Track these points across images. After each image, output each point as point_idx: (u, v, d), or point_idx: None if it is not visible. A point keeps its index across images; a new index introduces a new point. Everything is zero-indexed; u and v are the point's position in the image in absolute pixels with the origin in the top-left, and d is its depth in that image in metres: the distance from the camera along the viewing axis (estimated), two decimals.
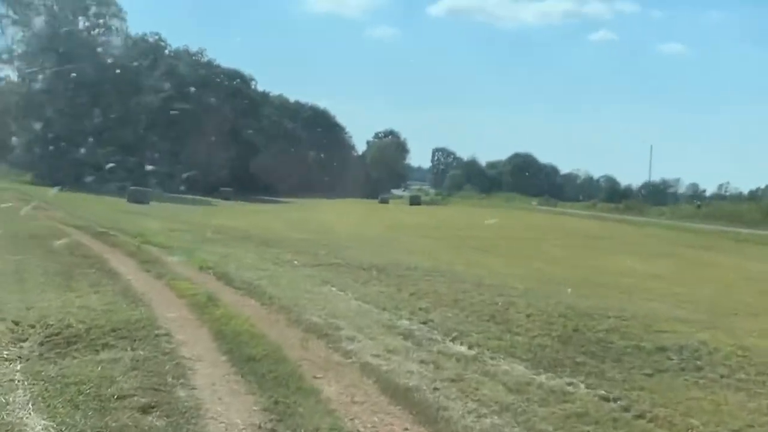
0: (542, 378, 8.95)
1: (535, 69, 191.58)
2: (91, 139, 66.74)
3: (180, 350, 8.66)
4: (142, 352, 8.40)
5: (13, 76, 73.07)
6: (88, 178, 62.32)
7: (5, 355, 8.20)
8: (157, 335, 9.26)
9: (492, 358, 9.84)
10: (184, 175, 61.72)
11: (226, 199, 67.62)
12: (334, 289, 15.00)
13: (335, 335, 10.25)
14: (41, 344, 8.74)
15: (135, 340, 8.94)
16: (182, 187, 62.91)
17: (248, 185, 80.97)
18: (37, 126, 65.63)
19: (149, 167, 62.08)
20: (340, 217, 43.25)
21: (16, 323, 9.67)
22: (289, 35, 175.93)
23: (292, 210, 53.91)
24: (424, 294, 14.73)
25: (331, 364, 8.77)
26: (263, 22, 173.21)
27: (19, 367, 7.74)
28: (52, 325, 9.61)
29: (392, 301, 13.76)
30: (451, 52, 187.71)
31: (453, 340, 10.90)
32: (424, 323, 11.91)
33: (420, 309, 13.05)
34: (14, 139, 68.26)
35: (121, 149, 69.24)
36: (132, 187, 51.58)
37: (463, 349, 10.40)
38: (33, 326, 9.56)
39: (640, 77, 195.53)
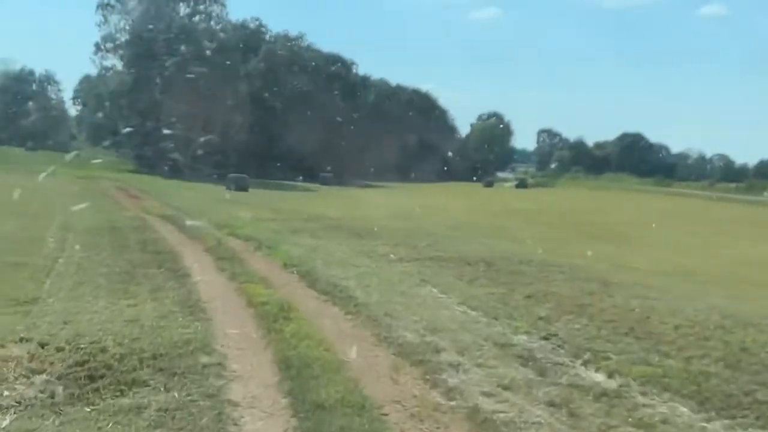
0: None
1: (643, 46, 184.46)
2: (193, 127, 66.49)
3: (229, 391, 6.57)
4: (177, 395, 6.34)
5: (119, 65, 73.50)
6: (189, 166, 62.01)
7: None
8: (204, 366, 7.21)
9: (642, 394, 7.42)
10: (278, 164, 60.56)
11: (326, 184, 66.18)
12: (434, 290, 12.74)
13: (434, 361, 8.00)
14: (58, 378, 6.80)
15: (175, 375, 6.90)
16: (281, 173, 61.83)
17: (349, 170, 79.43)
18: (141, 114, 65.70)
19: (249, 154, 61.10)
20: (443, 202, 40.88)
21: (43, 345, 7.80)
22: (391, 18, 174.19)
23: (391, 195, 51.84)
24: (543, 296, 12.31)
25: (427, 409, 6.52)
26: (364, 5, 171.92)
27: (5, 423, 5.77)
28: (83, 348, 7.70)
29: (504, 306, 11.40)
30: (556, 31, 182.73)
31: (586, 364, 8.51)
32: (546, 339, 9.52)
33: (540, 318, 10.64)
34: (119, 127, 68.63)
35: (221, 136, 68.75)
36: (231, 174, 50.57)
37: (601, 378, 8.01)
38: (61, 349, 7.67)
39: (748, 52, 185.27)
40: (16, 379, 6.80)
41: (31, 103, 65.94)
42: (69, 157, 45.05)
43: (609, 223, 29.31)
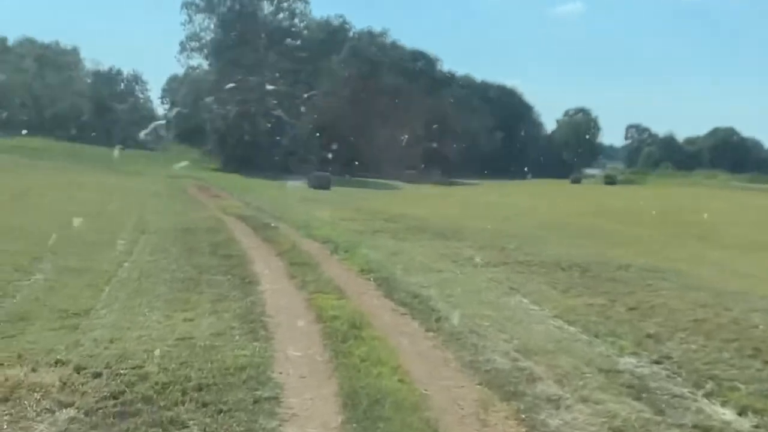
0: None
1: (732, 38, 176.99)
2: (278, 126, 66.33)
3: None
4: None
5: (204, 64, 73.95)
6: (273, 164, 61.76)
7: None
8: (256, 401, 6.08)
9: None
10: (360, 162, 59.63)
11: (410, 182, 64.97)
12: (525, 300, 11.42)
13: (530, 395, 6.71)
14: (86, 414, 5.79)
15: (220, 412, 5.80)
16: (364, 171, 61.00)
17: (433, 167, 78.05)
18: (225, 112, 65.76)
19: (333, 151, 60.36)
20: (530, 200, 39.19)
21: (79, 370, 6.82)
22: (475, 14, 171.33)
23: (477, 193, 50.23)
24: (649, 309, 10.84)
25: None
26: (448, 1, 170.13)
27: None
28: (123, 374, 6.69)
29: (606, 320, 10.01)
30: (642, 24, 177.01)
31: (709, 396, 7.11)
32: (659, 362, 8.13)
33: (648, 336, 9.23)
34: (204, 126, 68.93)
35: (305, 134, 68.40)
36: (313, 173, 49.79)
37: (730, 416, 6.63)
38: (98, 375, 6.68)
39: None
40: (37, 414, 5.81)
41: (119, 103, 66.85)
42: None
43: (710, 222, 27.21)
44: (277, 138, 66.12)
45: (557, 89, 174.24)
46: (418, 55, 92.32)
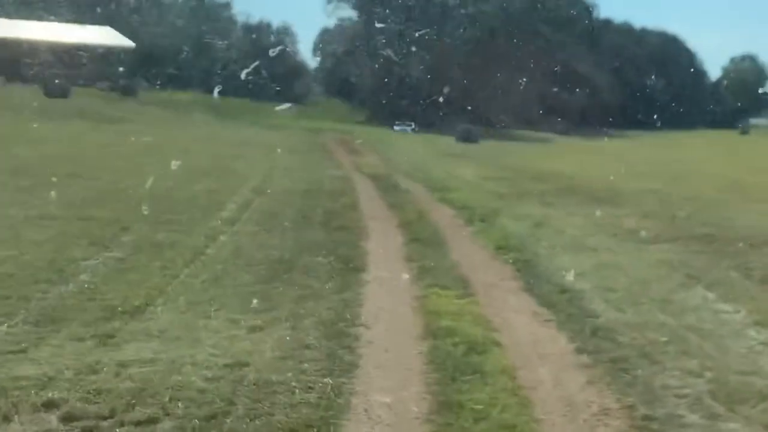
0: None
1: None
2: (428, 77, 63.91)
3: None
4: None
5: (353, 16, 71.97)
6: (422, 117, 59.47)
7: None
8: None
9: None
10: (500, 116, 56.23)
11: (562, 134, 61.05)
12: (710, 296, 8.54)
13: None
14: None
15: None
16: (513, 124, 57.72)
17: (589, 120, 73.42)
18: (375, 64, 63.76)
19: (482, 104, 57.41)
20: (698, 155, 34.97)
21: (70, 419, 4.70)
22: None
23: (636, 148, 45.88)
24: None
25: None
26: None
27: None
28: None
29: None
30: None
31: None
32: None
33: None
34: (353, 78, 67.29)
35: (455, 86, 65.51)
36: (461, 126, 46.85)
37: None
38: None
39: None
40: None
41: (268, 56, 66.05)
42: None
43: None
44: (426, 89, 63.57)
45: (722, 35, 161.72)
46: (574, 1, 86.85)
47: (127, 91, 50.86)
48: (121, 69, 54.18)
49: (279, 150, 29.69)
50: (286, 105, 35.13)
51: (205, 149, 27.92)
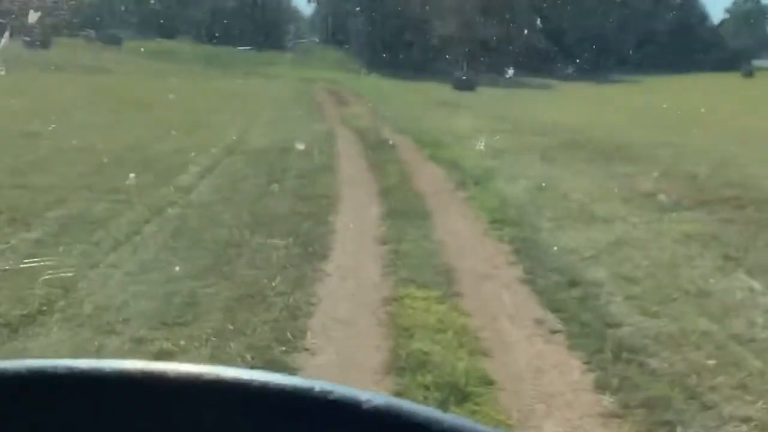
0: None
1: None
2: (426, 21, 61.50)
3: None
4: None
5: None
6: (419, 64, 57.26)
7: None
8: None
9: None
10: (500, 62, 53.81)
11: (563, 80, 58.75)
12: (756, 286, 6.75)
13: None
14: None
15: None
16: (514, 68, 55.38)
17: (586, 64, 70.98)
18: (372, 9, 61.24)
19: (482, 47, 54.87)
20: (704, 100, 32.93)
21: None
22: None
23: (642, 93, 43.77)
24: None
25: None
26: None
27: None
28: None
29: None
30: None
31: None
32: None
33: None
34: (350, 24, 64.76)
35: (457, 29, 63.03)
36: (457, 73, 44.64)
37: None
38: None
39: None
40: None
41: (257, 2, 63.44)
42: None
43: None
44: (424, 36, 61.10)
45: None
46: None
47: (111, 41, 48.52)
48: (99, 18, 51.69)
49: (264, 102, 27.79)
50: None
51: (184, 101, 25.98)
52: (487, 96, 36.39)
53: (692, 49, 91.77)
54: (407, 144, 16.52)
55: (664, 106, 27.47)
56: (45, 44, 41.31)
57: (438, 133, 18.48)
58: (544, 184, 11.51)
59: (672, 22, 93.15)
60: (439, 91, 39.67)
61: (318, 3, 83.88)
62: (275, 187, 11.05)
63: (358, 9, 60.95)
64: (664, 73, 69.56)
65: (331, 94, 32.35)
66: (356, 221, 8.90)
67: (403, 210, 9.39)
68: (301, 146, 15.63)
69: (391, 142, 16.10)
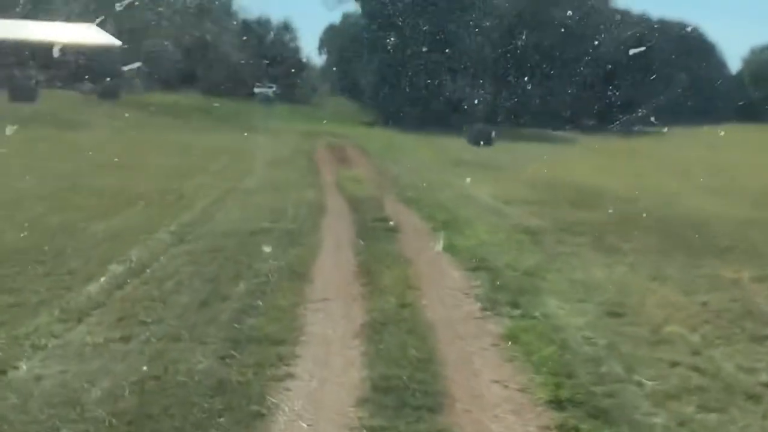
0: None
1: None
2: (437, 73, 58.09)
3: None
4: None
5: (356, 7, 65.67)
6: (431, 117, 53.64)
7: None
8: None
9: None
10: (525, 110, 50.11)
11: (586, 132, 54.86)
12: None
13: None
14: None
15: None
16: (531, 121, 51.72)
17: (611, 115, 67.02)
18: (380, 62, 57.73)
19: (497, 100, 51.43)
20: (752, 156, 28.73)
21: None
22: None
23: (672, 147, 39.60)
24: None
25: None
26: None
27: None
28: None
29: None
30: None
31: None
32: None
33: None
34: (358, 77, 61.39)
35: (468, 82, 59.57)
36: (474, 125, 40.55)
37: None
38: None
39: None
40: None
41: (267, 54, 60.07)
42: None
43: None
44: (436, 87, 57.49)
45: (742, 25, 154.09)
46: None
47: (107, 94, 45.05)
48: (102, 69, 48.33)
49: (255, 161, 23.91)
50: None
51: (161, 162, 22.15)
52: (507, 152, 32.28)
53: (712, 98, 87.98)
54: (415, 224, 12.46)
55: (714, 162, 23.28)
56: (31, 97, 37.84)
57: (455, 205, 14.46)
58: (620, 307, 7.37)
59: (691, 72, 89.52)
60: (454, 146, 35.76)
61: (329, 53, 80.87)
62: (213, 312, 6.98)
63: (370, 60, 57.42)
64: (686, 124, 65.40)
65: (334, 151, 28.37)
66: (315, 408, 4.76)
67: (397, 380, 5.23)
68: (273, 228, 11.68)
69: (392, 223, 11.98)
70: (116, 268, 8.98)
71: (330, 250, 10.02)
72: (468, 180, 18.59)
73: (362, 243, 10.32)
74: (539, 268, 9.09)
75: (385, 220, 12.33)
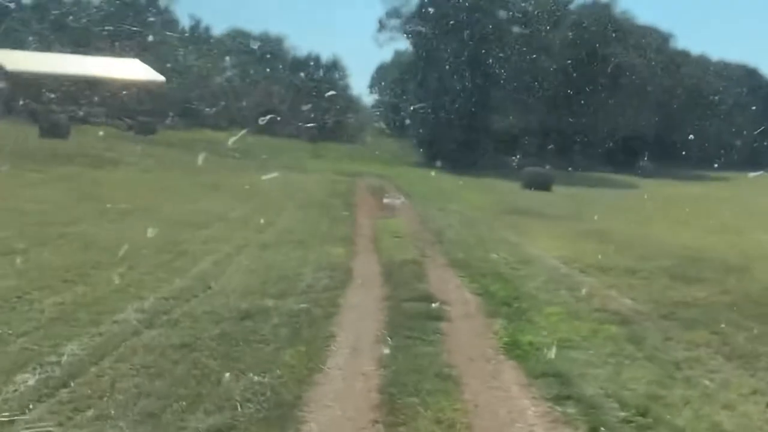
0: None
1: None
2: (489, 111, 55.05)
3: None
4: None
5: (405, 44, 62.99)
6: (481, 157, 50.51)
7: None
8: None
9: None
10: (581, 149, 46.68)
11: (646, 175, 51.02)
12: None
13: None
14: None
15: None
16: (586, 162, 48.27)
17: (670, 156, 63.02)
18: (429, 98, 54.72)
19: (550, 139, 48.11)
20: None
21: None
22: None
23: (744, 192, 35.76)
24: None
25: None
26: None
27: None
28: None
29: None
30: None
31: None
32: None
33: None
34: (406, 114, 58.62)
35: (523, 120, 56.36)
36: (528, 168, 37.04)
37: None
38: None
39: None
40: None
41: (317, 93, 57.54)
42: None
43: None
44: (487, 126, 54.34)
45: None
46: (650, 31, 76.61)
47: (144, 130, 42.75)
48: (143, 106, 46.34)
49: (285, 206, 20.97)
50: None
51: (179, 206, 19.38)
52: (567, 198, 28.81)
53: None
54: (465, 303, 9.22)
55: None
56: (63, 133, 35.61)
57: (515, 272, 11.23)
58: None
59: (752, 115, 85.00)
60: (507, 190, 32.41)
61: (380, 93, 78.41)
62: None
63: (417, 98, 54.43)
64: (748, 169, 60.89)
65: (374, 195, 25.27)
66: None
67: None
68: (275, 309, 8.59)
69: (435, 305, 8.76)
70: (25, 380, 6.03)
71: (343, 356, 6.80)
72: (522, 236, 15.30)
73: (391, 343, 7.10)
74: (656, 399, 5.81)
75: (427, 299, 9.10)
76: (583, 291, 10.08)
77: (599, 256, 13.00)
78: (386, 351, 6.82)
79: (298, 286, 10.07)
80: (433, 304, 8.76)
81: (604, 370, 6.56)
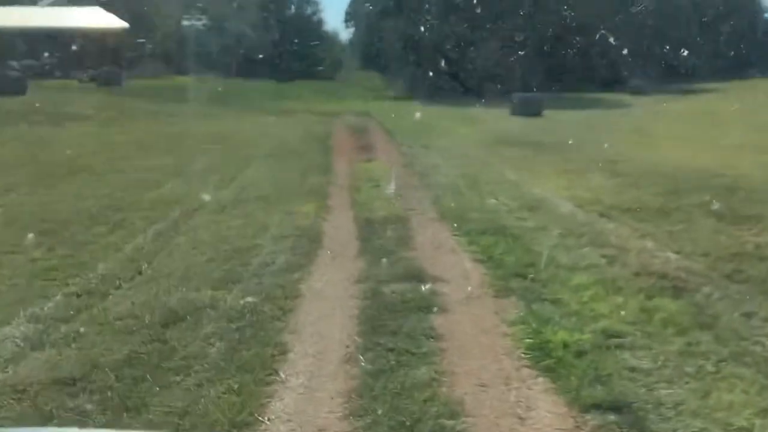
0: None
1: None
2: (467, 40, 52.35)
3: None
4: None
5: None
6: (464, 86, 47.79)
7: None
8: None
9: None
10: (566, 72, 44.11)
11: (638, 93, 48.44)
12: None
13: None
14: None
15: None
16: (573, 84, 45.68)
17: (656, 72, 60.35)
18: (408, 31, 51.89)
19: (533, 64, 45.40)
20: None
21: None
22: None
23: (742, 104, 33.21)
24: None
25: None
26: None
27: None
28: None
29: None
30: None
31: None
32: None
33: None
34: (385, 48, 55.67)
35: (502, 46, 53.51)
36: (517, 94, 34.30)
37: None
38: None
39: None
40: None
41: (286, 28, 54.30)
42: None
43: None
44: (467, 54, 51.58)
45: None
46: None
47: (108, 81, 39.81)
48: (105, 54, 43.25)
49: (253, 154, 18.52)
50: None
51: (133, 162, 16.88)
52: (561, 123, 26.31)
53: (759, 51, 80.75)
54: (464, 278, 6.92)
55: None
56: (20, 90, 32.76)
57: (524, 223, 8.92)
58: None
59: (738, 25, 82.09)
60: (496, 118, 29.79)
61: (356, 26, 75.01)
62: None
63: (396, 28, 51.44)
64: (732, 78, 58.38)
65: (354, 136, 22.75)
66: None
67: None
68: (214, 306, 6.30)
69: (426, 287, 6.42)
70: None
71: (292, 398, 4.47)
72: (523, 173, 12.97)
73: (365, 365, 4.80)
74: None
75: (415, 277, 6.78)
76: (613, 245, 7.79)
77: (618, 193, 10.68)
78: (356, 382, 4.50)
79: (251, 265, 7.74)
80: (424, 286, 6.43)
81: (684, 391, 4.29)
